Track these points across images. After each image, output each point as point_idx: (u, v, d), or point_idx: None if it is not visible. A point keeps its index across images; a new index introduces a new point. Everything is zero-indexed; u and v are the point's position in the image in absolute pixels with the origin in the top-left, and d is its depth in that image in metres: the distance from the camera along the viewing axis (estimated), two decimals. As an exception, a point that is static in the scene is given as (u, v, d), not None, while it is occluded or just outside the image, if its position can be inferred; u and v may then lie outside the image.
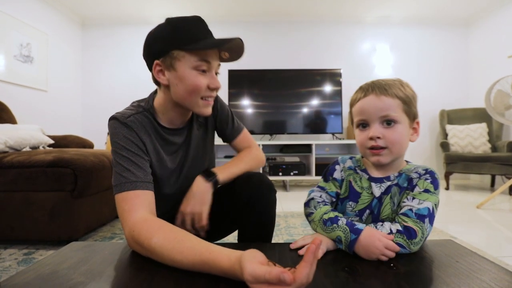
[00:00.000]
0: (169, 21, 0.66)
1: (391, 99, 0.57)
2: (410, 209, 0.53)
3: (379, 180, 0.61)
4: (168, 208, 0.78)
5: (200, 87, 0.65)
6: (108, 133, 0.69)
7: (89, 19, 3.54)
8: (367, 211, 0.61)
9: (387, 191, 0.60)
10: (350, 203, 0.63)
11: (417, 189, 0.56)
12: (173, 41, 0.63)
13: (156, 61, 0.65)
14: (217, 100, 0.84)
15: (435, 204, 0.55)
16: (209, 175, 0.73)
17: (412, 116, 0.59)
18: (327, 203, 0.64)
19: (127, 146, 0.63)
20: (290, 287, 0.35)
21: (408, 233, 0.51)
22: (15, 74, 2.59)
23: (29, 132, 1.89)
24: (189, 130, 0.79)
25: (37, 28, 2.85)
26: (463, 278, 0.43)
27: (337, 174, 0.67)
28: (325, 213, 0.59)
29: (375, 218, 0.60)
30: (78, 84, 3.54)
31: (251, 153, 0.88)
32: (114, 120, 0.65)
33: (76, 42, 3.50)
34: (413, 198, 0.55)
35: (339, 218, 0.56)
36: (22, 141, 1.76)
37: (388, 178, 0.61)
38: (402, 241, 0.51)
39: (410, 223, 0.51)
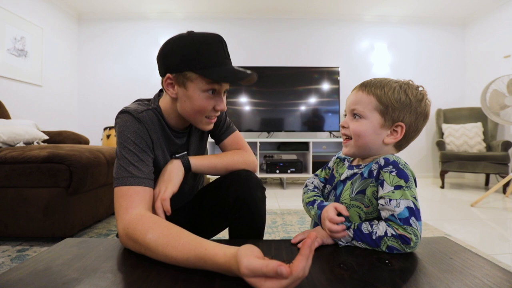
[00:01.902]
0: (192, 38, 0.64)
1: (365, 96, 0.59)
2: (393, 215, 0.51)
3: (351, 167, 0.64)
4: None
5: (206, 109, 0.67)
6: (115, 127, 0.67)
7: (85, 13, 3.50)
8: (333, 191, 0.67)
9: (351, 177, 0.62)
10: (327, 186, 0.70)
11: (387, 187, 0.53)
12: (190, 62, 0.63)
13: (168, 74, 0.66)
14: None
15: (414, 197, 0.52)
16: (179, 154, 0.73)
17: (390, 119, 0.57)
18: (316, 187, 0.73)
19: (136, 141, 0.63)
20: (286, 280, 0.35)
21: (402, 239, 0.50)
22: (8, 68, 2.55)
23: (23, 127, 1.87)
24: (189, 133, 0.81)
25: (31, 21, 2.80)
26: (457, 274, 0.44)
27: (330, 164, 0.75)
28: (308, 198, 0.68)
29: (337, 200, 0.64)
30: (74, 79, 3.50)
31: (237, 152, 0.83)
32: (127, 114, 0.65)
33: (72, 37, 3.45)
34: (390, 200, 0.52)
35: (316, 200, 0.65)
36: (16, 136, 1.74)
37: (358, 166, 0.62)
38: (397, 245, 0.50)
39: (401, 231, 0.50)
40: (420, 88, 0.59)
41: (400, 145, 0.61)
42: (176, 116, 0.73)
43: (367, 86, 0.60)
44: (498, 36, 3.22)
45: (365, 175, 0.59)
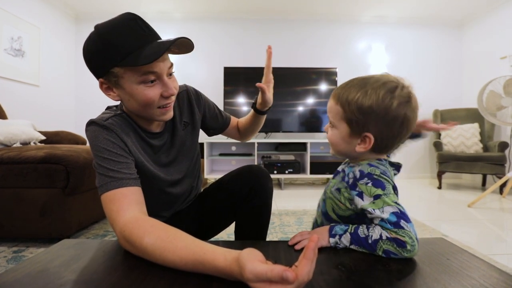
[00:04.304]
0: (98, 32, 0.58)
1: (334, 105, 0.58)
2: (382, 220, 0.50)
3: (345, 163, 0.67)
4: (159, 206, 0.79)
5: (153, 100, 0.61)
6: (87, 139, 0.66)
7: (83, 13, 3.49)
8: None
9: (336, 174, 0.66)
10: None
11: (367, 199, 0.53)
12: (108, 58, 0.57)
13: (100, 80, 0.61)
14: (200, 98, 0.85)
15: (396, 202, 0.51)
16: None
17: (354, 128, 0.55)
18: None
19: (109, 148, 0.60)
20: (291, 285, 0.34)
21: (397, 242, 0.49)
22: (5, 68, 2.54)
23: (20, 127, 1.86)
24: (171, 133, 0.77)
25: (28, 21, 2.79)
26: (454, 275, 0.44)
27: None
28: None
29: (327, 187, 0.67)
30: (71, 79, 3.48)
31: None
32: (93, 125, 0.62)
33: (70, 37, 3.44)
34: (374, 209, 0.52)
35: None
36: (12, 136, 1.73)
37: (348, 164, 0.64)
38: (393, 249, 0.49)
39: (394, 235, 0.49)
40: (399, 88, 0.53)
41: (379, 150, 0.58)
42: (140, 120, 0.69)
43: (337, 92, 0.58)
44: (495, 38, 3.25)
45: (343, 178, 0.61)
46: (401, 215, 0.50)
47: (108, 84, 0.62)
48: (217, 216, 0.87)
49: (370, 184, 0.53)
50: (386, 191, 0.52)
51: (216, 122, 0.92)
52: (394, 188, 0.55)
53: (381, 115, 0.52)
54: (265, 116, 0.93)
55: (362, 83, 0.55)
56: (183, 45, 0.62)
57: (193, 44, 0.63)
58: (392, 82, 0.54)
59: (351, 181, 0.57)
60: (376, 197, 0.52)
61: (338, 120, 0.58)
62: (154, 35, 0.61)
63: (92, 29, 0.60)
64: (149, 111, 0.63)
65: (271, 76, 0.82)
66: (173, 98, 0.66)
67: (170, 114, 0.67)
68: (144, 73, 0.58)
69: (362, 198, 0.54)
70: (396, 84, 0.54)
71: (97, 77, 0.62)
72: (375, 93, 0.52)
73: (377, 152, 0.59)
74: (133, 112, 0.66)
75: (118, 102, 0.71)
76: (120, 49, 0.56)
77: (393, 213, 0.50)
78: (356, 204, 0.55)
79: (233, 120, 0.99)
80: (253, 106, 0.88)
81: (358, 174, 0.56)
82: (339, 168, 0.67)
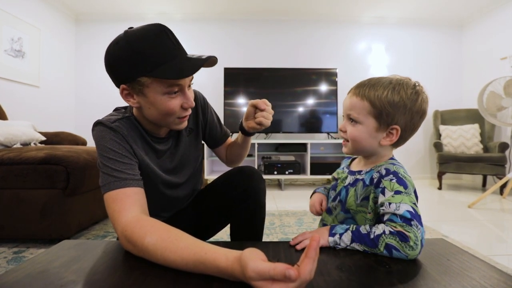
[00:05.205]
0: (129, 40, 0.58)
1: (359, 101, 0.60)
2: (395, 214, 0.52)
3: (353, 173, 0.66)
4: (161, 207, 0.79)
5: (174, 110, 0.63)
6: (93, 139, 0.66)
7: (83, 14, 3.49)
8: (338, 197, 0.67)
9: (354, 183, 0.64)
10: (332, 191, 0.72)
11: (388, 193, 0.55)
12: (138, 68, 0.58)
13: (122, 86, 0.62)
14: (207, 106, 0.86)
15: (414, 203, 0.53)
16: None
17: (384, 122, 0.58)
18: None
19: (114, 148, 0.61)
20: (294, 283, 0.34)
21: (400, 236, 0.49)
22: (5, 69, 2.54)
23: (20, 128, 1.86)
24: (175, 138, 0.79)
25: (28, 22, 2.79)
26: (454, 276, 0.44)
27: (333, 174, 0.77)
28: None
29: (343, 206, 0.65)
30: (71, 80, 3.48)
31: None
32: (100, 125, 0.63)
33: (70, 38, 3.44)
34: (390, 203, 0.53)
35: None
36: (12, 137, 1.73)
37: (360, 172, 0.64)
38: (395, 243, 0.49)
39: (399, 228, 0.50)
40: (417, 85, 0.59)
41: (397, 144, 0.62)
42: (150, 125, 0.70)
43: (361, 90, 0.60)
44: (495, 38, 3.25)
45: (367, 182, 0.60)
46: (415, 216, 0.51)
47: (130, 91, 0.62)
48: (212, 218, 0.87)
49: (394, 181, 0.56)
50: (408, 190, 0.54)
51: (213, 135, 0.91)
52: (415, 192, 0.56)
53: (408, 108, 0.57)
54: (249, 142, 0.90)
55: (387, 81, 0.59)
56: (209, 62, 0.64)
57: (216, 62, 0.66)
58: (410, 81, 0.60)
59: (375, 180, 0.59)
60: (397, 192, 0.54)
61: (365, 115, 0.59)
62: (181, 49, 0.62)
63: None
64: (168, 120, 0.66)
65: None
66: (190, 110, 0.68)
67: (185, 124, 0.70)
68: (171, 85, 0.60)
69: (384, 193, 0.55)
70: (413, 83, 0.60)
71: (119, 83, 0.62)
72: (403, 89, 0.58)
73: (396, 145, 0.63)
74: (149, 119, 0.67)
75: (124, 104, 0.72)
76: (152, 59, 0.57)
77: (408, 211, 0.51)
78: (379, 202, 0.56)
79: (229, 140, 0.98)
80: (241, 125, 0.85)
81: (384, 172, 0.58)
82: (349, 180, 0.66)
